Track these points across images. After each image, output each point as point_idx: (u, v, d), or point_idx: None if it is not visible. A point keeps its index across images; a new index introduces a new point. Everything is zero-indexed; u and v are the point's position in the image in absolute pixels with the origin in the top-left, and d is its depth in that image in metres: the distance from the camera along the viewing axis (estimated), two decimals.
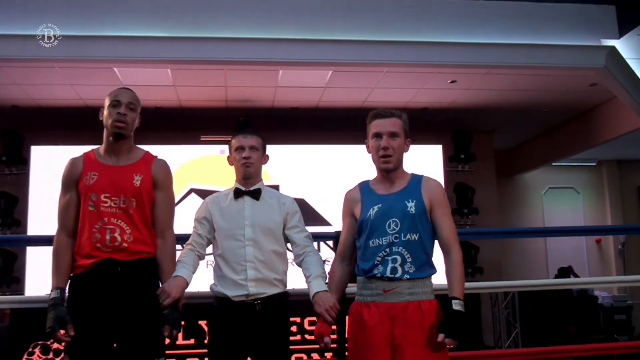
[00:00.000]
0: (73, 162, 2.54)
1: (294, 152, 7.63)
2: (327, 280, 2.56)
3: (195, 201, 7.10)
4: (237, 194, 2.67)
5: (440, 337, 2.22)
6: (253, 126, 6.84)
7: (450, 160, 8.21)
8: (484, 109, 7.74)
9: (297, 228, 2.69)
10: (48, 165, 7.04)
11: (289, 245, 2.74)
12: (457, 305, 2.25)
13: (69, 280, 2.44)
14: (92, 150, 2.59)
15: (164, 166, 2.61)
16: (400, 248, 2.33)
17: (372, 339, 2.28)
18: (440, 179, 7.97)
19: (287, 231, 2.68)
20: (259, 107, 7.39)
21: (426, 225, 2.39)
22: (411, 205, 2.36)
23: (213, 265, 2.68)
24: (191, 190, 7.39)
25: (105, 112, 2.53)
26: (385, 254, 2.33)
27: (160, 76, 6.30)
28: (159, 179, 2.56)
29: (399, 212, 2.36)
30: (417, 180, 2.47)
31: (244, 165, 2.65)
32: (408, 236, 2.34)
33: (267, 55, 5.75)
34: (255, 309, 2.51)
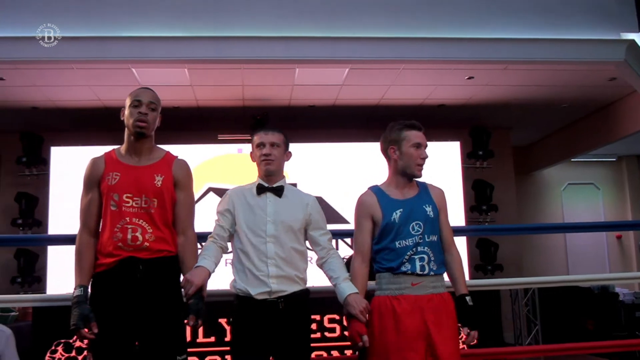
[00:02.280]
0: (94, 162, 2.56)
1: (311, 150, 7.62)
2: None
3: (213, 200, 7.13)
4: (260, 190, 2.68)
5: (465, 330, 2.53)
6: (270, 125, 6.84)
7: (468, 157, 8.18)
8: (502, 105, 7.68)
9: (321, 230, 2.72)
10: (67, 166, 7.14)
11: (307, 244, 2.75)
12: (471, 301, 2.57)
13: (92, 279, 2.45)
14: (113, 150, 2.61)
15: (184, 166, 2.64)
16: (426, 248, 2.56)
17: (406, 328, 2.45)
18: (459, 176, 8.01)
19: (310, 232, 2.70)
20: (276, 106, 7.40)
21: (439, 228, 2.65)
22: (429, 210, 2.62)
23: (232, 263, 2.67)
24: (209, 190, 7.43)
25: (127, 112, 2.55)
26: (412, 253, 2.54)
27: (178, 76, 6.33)
28: (180, 179, 2.59)
29: (421, 215, 2.59)
30: (424, 187, 2.72)
31: (264, 162, 2.67)
32: (430, 237, 2.58)
33: (283, 53, 5.76)
34: (278, 307, 2.51)
